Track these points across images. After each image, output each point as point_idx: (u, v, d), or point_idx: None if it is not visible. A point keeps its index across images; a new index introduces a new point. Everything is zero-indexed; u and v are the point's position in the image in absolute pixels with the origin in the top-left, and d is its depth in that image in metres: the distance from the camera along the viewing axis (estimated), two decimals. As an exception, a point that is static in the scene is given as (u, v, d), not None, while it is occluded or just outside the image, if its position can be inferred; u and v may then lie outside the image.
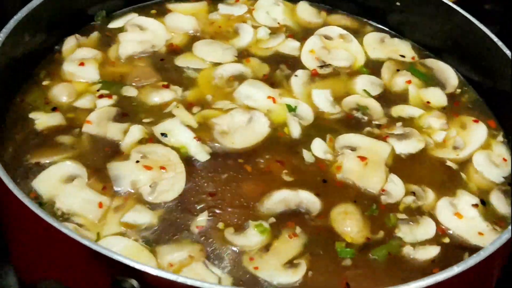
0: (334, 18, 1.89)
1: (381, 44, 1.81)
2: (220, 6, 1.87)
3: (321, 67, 1.71)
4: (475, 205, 1.43)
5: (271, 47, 1.75)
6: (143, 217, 1.31)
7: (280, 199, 1.36)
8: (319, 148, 1.49)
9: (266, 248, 1.29)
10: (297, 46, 1.76)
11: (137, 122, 1.48)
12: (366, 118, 1.60)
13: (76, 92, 1.57)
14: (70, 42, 1.68)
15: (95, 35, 1.72)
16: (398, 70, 1.73)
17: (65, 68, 1.61)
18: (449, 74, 1.76)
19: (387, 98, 1.66)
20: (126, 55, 1.67)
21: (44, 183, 1.34)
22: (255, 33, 1.78)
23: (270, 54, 1.73)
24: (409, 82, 1.69)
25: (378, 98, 1.65)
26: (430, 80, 1.73)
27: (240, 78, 1.63)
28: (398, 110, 1.63)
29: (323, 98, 1.63)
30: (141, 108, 1.53)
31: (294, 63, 1.70)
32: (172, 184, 1.36)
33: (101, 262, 1.13)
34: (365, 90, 1.67)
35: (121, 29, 1.75)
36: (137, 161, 1.38)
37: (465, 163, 1.52)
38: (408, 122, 1.60)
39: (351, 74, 1.71)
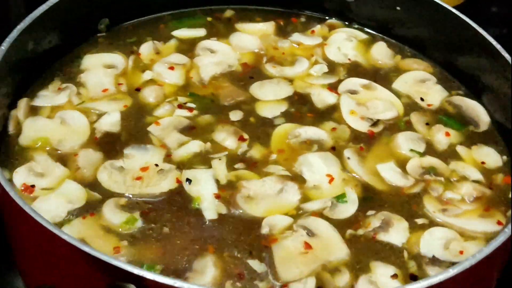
0: (408, 62, 1.90)
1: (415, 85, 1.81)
2: (294, 35, 1.94)
3: (373, 125, 1.67)
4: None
5: (315, 84, 1.78)
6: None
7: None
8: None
9: None
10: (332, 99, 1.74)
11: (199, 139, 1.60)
12: (442, 178, 1.56)
13: (164, 95, 1.72)
14: (147, 46, 1.84)
15: (172, 43, 1.87)
16: (427, 124, 1.69)
17: (156, 69, 1.77)
18: (479, 111, 1.74)
19: (435, 152, 1.64)
20: (209, 77, 1.79)
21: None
22: (309, 67, 1.83)
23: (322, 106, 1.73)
24: (447, 134, 1.67)
25: (425, 153, 1.63)
26: (462, 122, 1.71)
27: (317, 143, 1.62)
28: (460, 168, 1.59)
29: (391, 172, 1.57)
30: (208, 133, 1.62)
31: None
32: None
33: (100, 268, 1.16)
34: (412, 150, 1.63)
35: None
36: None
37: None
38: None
39: (390, 130, 1.67)
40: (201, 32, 1.93)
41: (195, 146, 1.59)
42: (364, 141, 1.64)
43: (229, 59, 1.85)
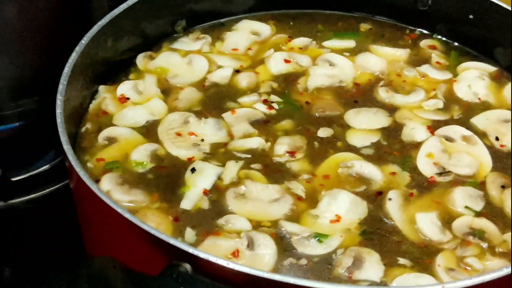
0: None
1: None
2: (424, 67, 1.89)
3: (440, 174, 1.58)
4: None
5: (418, 116, 1.72)
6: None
7: None
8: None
9: None
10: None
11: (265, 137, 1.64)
12: (486, 244, 1.44)
13: (257, 83, 1.82)
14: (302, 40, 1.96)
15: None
16: (503, 187, 1.56)
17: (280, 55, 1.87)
18: None
19: (495, 213, 1.52)
20: (314, 87, 1.82)
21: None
22: (423, 100, 1.77)
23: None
24: None
25: (485, 214, 1.51)
26: None
27: (366, 184, 1.55)
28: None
29: (429, 223, 1.48)
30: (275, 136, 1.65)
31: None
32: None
33: (158, 246, 1.24)
34: (468, 208, 1.51)
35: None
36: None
37: None
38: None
39: (455, 185, 1.56)
40: (350, 43, 1.99)
41: (255, 142, 1.63)
42: (420, 188, 1.55)
43: (344, 75, 1.85)
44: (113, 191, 1.49)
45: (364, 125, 1.70)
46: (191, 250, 1.20)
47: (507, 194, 1.53)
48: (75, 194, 1.51)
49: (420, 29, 2.03)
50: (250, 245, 1.40)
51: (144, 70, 1.83)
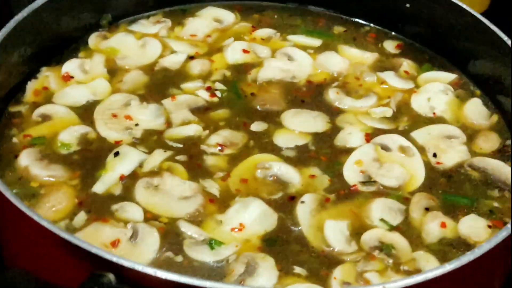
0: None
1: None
2: (388, 73, 1.83)
3: (364, 183, 1.52)
4: None
5: (361, 122, 1.68)
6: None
7: None
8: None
9: None
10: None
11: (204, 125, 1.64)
12: (391, 261, 1.38)
13: (210, 71, 1.80)
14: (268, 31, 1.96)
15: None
16: (427, 209, 1.48)
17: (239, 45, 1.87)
18: (509, 174, 1.55)
19: (411, 231, 1.45)
20: (264, 79, 1.79)
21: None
22: (372, 106, 1.73)
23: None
24: (443, 225, 1.44)
25: (401, 229, 1.45)
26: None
27: (283, 186, 1.52)
28: (423, 263, 1.38)
29: (336, 232, 1.42)
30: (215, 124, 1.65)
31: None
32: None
33: (78, 255, 1.17)
34: (383, 220, 1.45)
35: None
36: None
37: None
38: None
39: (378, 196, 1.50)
40: (316, 42, 1.95)
41: (192, 129, 1.63)
42: (339, 195, 1.50)
43: (299, 71, 1.82)
44: (31, 166, 1.50)
45: (297, 127, 1.66)
46: (114, 259, 1.14)
47: (429, 217, 1.46)
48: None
49: (402, 37, 1.98)
50: (134, 236, 1.38)
51: (95, 49, 1.84)
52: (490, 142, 1.65)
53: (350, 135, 1.64)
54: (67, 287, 1.13)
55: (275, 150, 1.60)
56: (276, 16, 2.04)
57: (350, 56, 1.89)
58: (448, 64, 1.89)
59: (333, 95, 1.74)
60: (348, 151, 1.61)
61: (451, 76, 1.85)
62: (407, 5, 1.92)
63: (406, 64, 1.87)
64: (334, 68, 1.84)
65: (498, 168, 1.58)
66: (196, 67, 1.81)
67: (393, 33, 2.00)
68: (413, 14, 1.93)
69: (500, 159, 1.61)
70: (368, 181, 1.53)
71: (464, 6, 1.78)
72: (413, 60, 1.90)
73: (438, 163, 1.59)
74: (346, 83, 1.80)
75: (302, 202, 1.47)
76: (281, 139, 1.63)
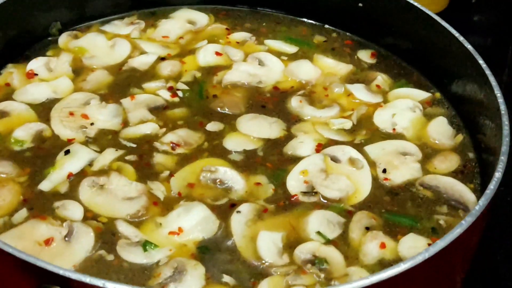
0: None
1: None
2: (357, 86, 1.80)
3: (305, 193, 1.50)
4: None
5: (318, 133, 1.65)
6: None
7: None
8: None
9: None
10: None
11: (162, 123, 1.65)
12: (322, 275, 1.35)
13: (180, 72, 1.81)
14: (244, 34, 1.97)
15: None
16: (367, 229, 1.44)
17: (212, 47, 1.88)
18: (463, 192, 1.52)
19: (349, 247, 1.42)
20: (229, 81, 1.79)
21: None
22: (333, 117, 1.70)
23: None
24: (382, 246, 1.40)
25: (338, 243, 1.42)
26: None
27: (227, 192, 1.51)
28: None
29: (269, 244, 1.40)
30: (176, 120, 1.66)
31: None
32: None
33: (25, 269, 1.16)
34: (320, 233, 1.43)
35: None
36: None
37: None
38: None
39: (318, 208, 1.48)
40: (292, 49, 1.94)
41: (148, 127, 1.64)
42: (279, 205, 1.49)
43: (267, 77, 1.81)
44: (-22, 161, 1.52)
45: (251, 131, 1.65)
46: (61, 272, 1.14)
47: (369, 237, 1.42)
48: None
49: (383, 49, 1.95)
50: (69, 235, 1.39)
51: (63, 48, 1.86)
52: (447, 162, 1.60)
53: (302, 144, 1.62)
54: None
55: (224, 153, 1.60)
56: (259, 21, 2.05)
57: (324, 66, 1.87)
58: (425, 81, 1.86)
59: (295, 103, 1.73)
60: (297, 160, 1.59)
61: (424, 95, 1.80)
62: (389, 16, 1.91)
63: (380, 78, 1.83)
64: (304, 77, 1.82)
65: (451, 186, 1.53)
66: (167, 68, 1.81)
67: (373, 44, 1.97)
68: (391, 26, 1.91)
69: (461, 181, 1.57)
70: (309, 191, 1.51)
71: (444, 23, 1.75)
72: (388, 74, 1.86)
73: (386, 179, 1.55)
74: (312, 92, 1.78)
75: (238, 212, 1.45)
76: (231, 142, 1.62)
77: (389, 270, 1.17)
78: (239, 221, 1.44)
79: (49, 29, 1.90)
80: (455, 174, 1.59)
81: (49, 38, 1.90)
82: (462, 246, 1.32)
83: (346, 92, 1.78)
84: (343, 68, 1.87)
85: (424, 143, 1.66)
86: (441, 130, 1.69)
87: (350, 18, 1.98)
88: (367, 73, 1.87)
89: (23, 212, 1.44)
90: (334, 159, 1.59)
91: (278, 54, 1.90)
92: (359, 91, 1.78)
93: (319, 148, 1.61)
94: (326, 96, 1.77)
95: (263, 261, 1.37)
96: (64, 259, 1.35)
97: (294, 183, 1.53)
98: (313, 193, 1.50)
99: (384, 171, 1.57)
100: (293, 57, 1.91)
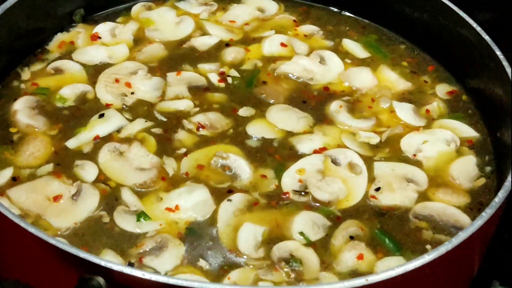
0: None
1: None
2: (403, 105, 1.79)
3: (296, 192, 1.54)
4: None
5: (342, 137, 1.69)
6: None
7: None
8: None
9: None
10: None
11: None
12: (293, 275, 1.41)
13: (243, 59, 1.90)
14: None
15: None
16: (352, 238, 1.47)
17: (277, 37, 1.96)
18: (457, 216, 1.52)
19: (327, 251, 1.46)
20: (282, 72, 1.86)
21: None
22: (365, 130, 1.72)
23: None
24: (360, 257, 1.43)
25: (317, 246, 1.46)
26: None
27: (234, 179, 1.59)
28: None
29: (248, 235, 1.46)
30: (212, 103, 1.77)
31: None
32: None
33: (68, 260, 1.22)
34: (302, 233, 1.47)
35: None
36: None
37: None
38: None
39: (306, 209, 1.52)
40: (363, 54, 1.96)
41: (183, 104, 1.75)
42: (271, 201, 1.54)
43: (321, 76, 1.85)
44: (20, 111, 1.70)
45: (276, 121, 1.72)
46: (103, 263, 1.20)
47: (349, 246, 1.45)
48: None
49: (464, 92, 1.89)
50: (76, 195, 1.53)
51: (133, 17, 2.01)
52: (454, 198, 1.59)
53: (309, 141, 1.68)
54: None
55: (244, 138, 1.68)
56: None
57: (383, 78, 1.88)
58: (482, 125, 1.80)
59: (334, 107, 1.76)
60: (299, 157, 1.64)
61: (471, 133, 1.76)
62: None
63: (435, 105, 1.81)
64: (357, 84, 1.85)
65: (443, 211, 1.53)
66: (231, 54, 1.91)
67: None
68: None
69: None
70: (300, 191, 1.56)
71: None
72: (447, 104, 1.84)
73: (373, 196, 1.57)
74: (357, 101, 1.80)
75: (229, 200, 1.53)
76: (254, 128, 1.71)
77: (414, 262, 1.25)
78: (227, 209, 1.52)
79: (73, 16, 2.00)
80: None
81: (123, 6, 2.07)
82: (482, 237, 1.39)
83: (391, 108, 1.79)
84: (401, 84, 1.87)
85: (439, 176, 1.65)
86: (465, 169, 1.66)
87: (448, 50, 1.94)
88: (425, 96, 1.86)
89: (49, 167, 1.60)
90: (334, 162, 1.62)
91: (345, 55, 1.95)
92: (404, 111, 1.78)
93: (322, 150, 1.66)
94: (370, 108, 1.79)
95: (239, 252, 1.44)
96: (68, 216, 1.50)
97: (289, 180, 1.58)
98: (304, 193, 1.55)
99: (378, 189, 1.58)
100: (359, 62, 1.93)
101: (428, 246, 1.47)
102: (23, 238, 1.28)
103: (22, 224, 1.27)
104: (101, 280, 1.19)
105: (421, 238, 1.50)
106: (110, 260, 1.29)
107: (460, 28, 1.82)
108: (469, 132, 1.76)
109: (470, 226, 1.32)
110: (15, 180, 1.56)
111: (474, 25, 1.77)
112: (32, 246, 1.28)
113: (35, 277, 1.26)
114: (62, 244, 1.23)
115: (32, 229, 1.25)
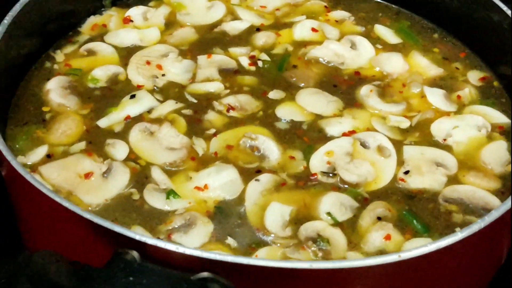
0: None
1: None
2: (434, 90, 1.79)
3: (325, 173, 1.56)
4: None
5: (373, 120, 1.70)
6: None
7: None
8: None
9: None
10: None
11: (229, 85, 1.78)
12: (320, 254, 1.42)
13: (273, 43, 1.92)
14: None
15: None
16: (379, 219, 1.48)
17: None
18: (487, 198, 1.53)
19: (354, 231, 1.47)
20: (312, 56, 1.87)
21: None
22: (395, 114, 1.72)
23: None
24: (388, 237, 1.44)
25: (344, 227, 1.48)
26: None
27: (262, 160, 1.61)
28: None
29: (276, 214, 1.48)
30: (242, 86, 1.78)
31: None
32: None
33: (102, 234, 1.25)
34: (330, 214, 1.49)
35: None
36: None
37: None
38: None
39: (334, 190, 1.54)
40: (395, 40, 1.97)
41: (213, 86, 1.77)
42: (299, 182, 1.56)
43: (352, 61, 1.86)
44: (52, 91, 1.73)
45: (306, 104, 1.73)
46: (137, 237, 1.22)
47: (377, 226, 1.46)
48: (8, 183, 1.52)
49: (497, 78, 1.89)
50: (107, 172, 1.55)
51: (165, 1, 2.03)
52: (485, 182, 1.59)
53: (339, 124, 1.69)
54: (95, 267, 1.19)
55: (273, 120, 1.70)
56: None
57: (415, 64, 1.88)
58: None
59: (364, 91, 1.77)
60: (327, 139, 1.66)
61: (503, 119, 1.76)
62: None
63: (467, 91, 1.81)
64: (388, 69, 1.85)
65: (472, 194, 1.53)
66: (261, 38, 1.92)
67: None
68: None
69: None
70: (328, 172, 1.57)
71: None
72: (479, 91, 1.85)
73: (401, 179, 1.58)
74: (388, 86, 1.81)
75: (257, 180, 1.54)
76: (284, 110, 1.72)
77: (447, 238, 1.26)
78: (255, 189, 1.53)
79: (103, 1, 2.03)
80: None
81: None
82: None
83: (421, 93, 1.79)
84: (433, 70, 1.87)
85: (470, 160, 1.65)
86: (496, 154, 1.66)
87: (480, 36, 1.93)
88: (456, 82, 1.85)
89: (81, 145, 1.63)
90: (363, 145, 1.63)
91: (376, 41, 1.95)
92: (435, 96, 1.78)
93: (351, 133, 1.67)
94: (400, 92, 1.79)
95: (266, 230, 1.46)
96: (98, 193, 1.52)
97: (317, 162, 1.60)
98: (332, 175, 1.56)
99: (406, 172, 1.59)
100: (390, 48, 1.94)
101: (457, 229, 1.48)
102: (57, 212, 1.30)
103: (57, 199, 1.29)
104: (135, 254, 1.20)
105: (450, 221, 1.50)
106: (142, 234, 1.31)
107: (492, 13, 1.82)
108: (500, 118, 1.76)
109: (503, 205, 1.33)
110: (49, 157, 1.59)
111: (506, 9, 1.77)
112: (66, 220, 1.31)
113: (68, 250, 1.26)
114: (98, 218, 1.25)
115: (66, 204, 1.28)
